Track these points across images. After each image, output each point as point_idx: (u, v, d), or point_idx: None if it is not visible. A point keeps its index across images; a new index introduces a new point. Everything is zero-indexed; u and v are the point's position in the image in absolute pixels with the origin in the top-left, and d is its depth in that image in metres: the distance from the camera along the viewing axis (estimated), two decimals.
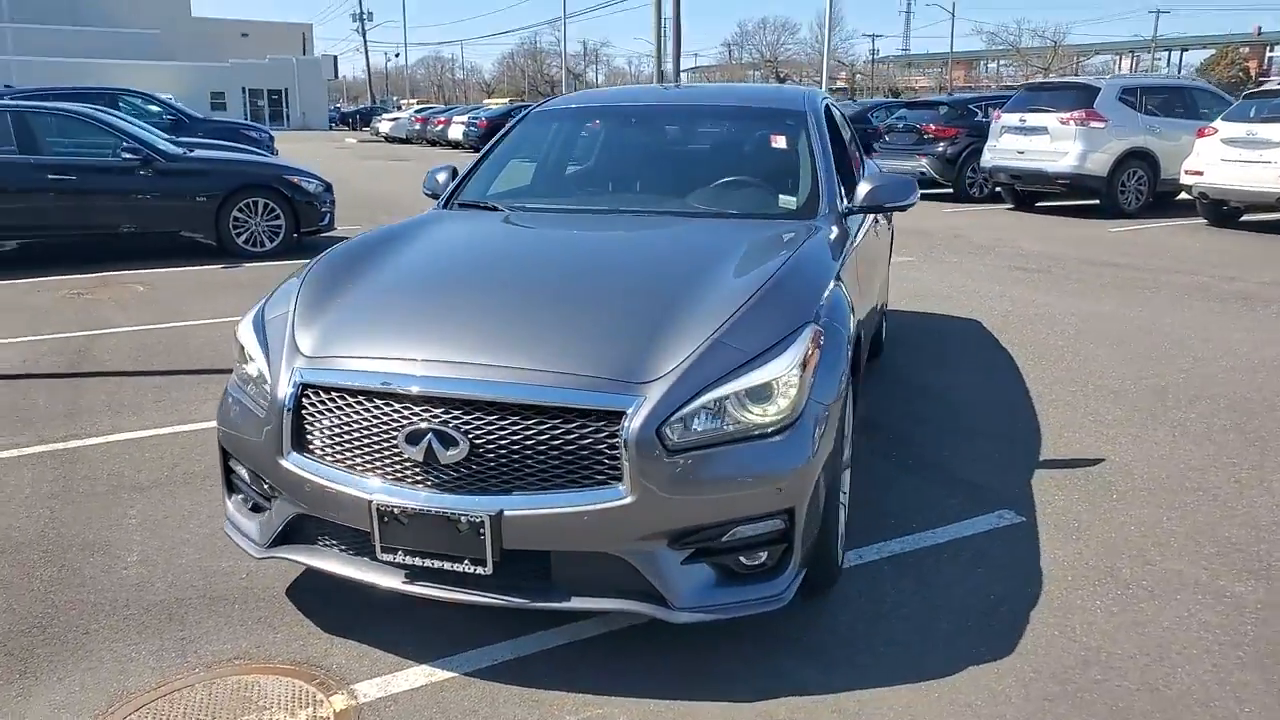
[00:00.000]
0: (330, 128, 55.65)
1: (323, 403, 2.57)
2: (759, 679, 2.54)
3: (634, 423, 2.34)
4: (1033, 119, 13.46)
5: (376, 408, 2.49)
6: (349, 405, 2.53)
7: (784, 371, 2.50)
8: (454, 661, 2.62)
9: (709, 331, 2.56)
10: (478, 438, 2.39)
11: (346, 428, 2.53)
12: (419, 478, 2.44)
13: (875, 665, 2.62)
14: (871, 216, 4.33)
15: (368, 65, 68.62)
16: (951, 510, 3.64)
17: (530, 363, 2.47)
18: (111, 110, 12.48)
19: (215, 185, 9.01)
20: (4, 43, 39.69)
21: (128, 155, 8.65)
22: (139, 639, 2.73)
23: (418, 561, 2.46)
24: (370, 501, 2.44)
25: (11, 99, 15.92)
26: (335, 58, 59.44)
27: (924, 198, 15.81)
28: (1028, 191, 14.18)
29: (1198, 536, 3.40)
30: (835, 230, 3.51)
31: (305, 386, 2.58)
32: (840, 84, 79.20)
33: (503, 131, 4.31)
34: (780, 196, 3.76)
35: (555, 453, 2.38)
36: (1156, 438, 4.42)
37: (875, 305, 4.52)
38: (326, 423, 2.56)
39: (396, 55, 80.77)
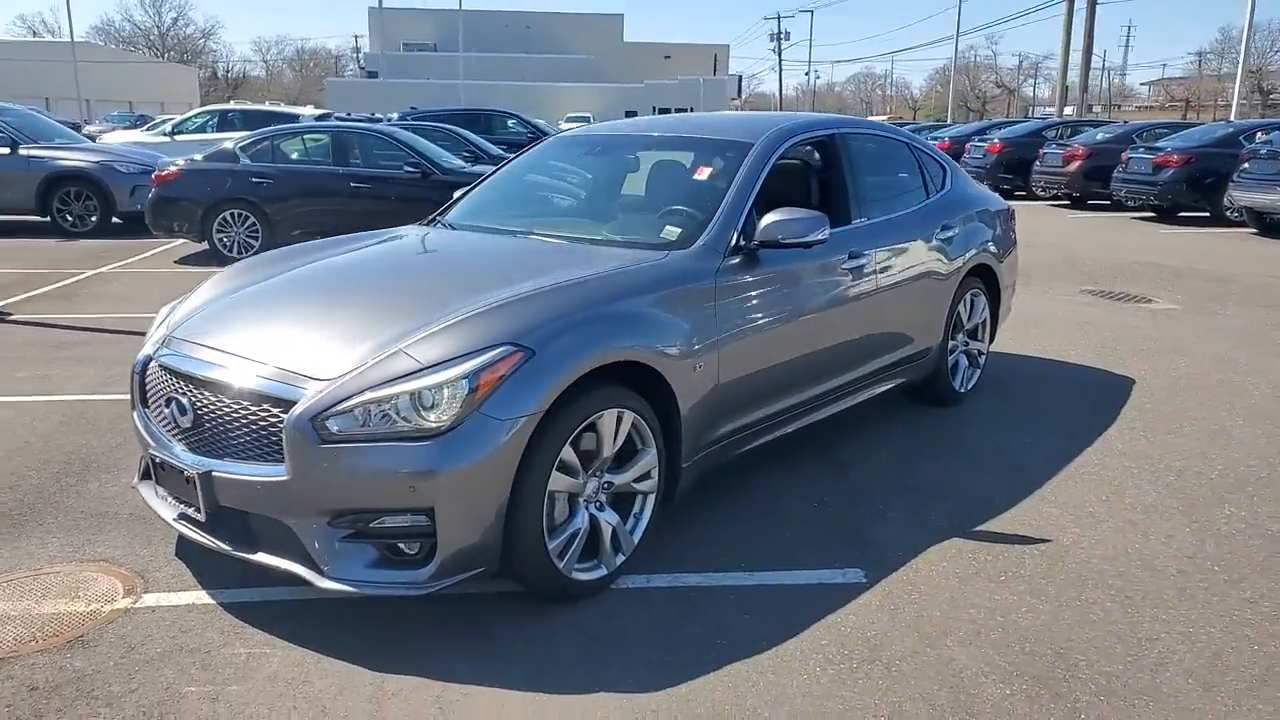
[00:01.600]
0: None
1: (153, 370, 3.29)
2: (407, 657, 2.83)
3: (295, 412, 2.77)
4: None
5: (161, 377, 3.16)
6: (155, 373, 3.23)
7: (448, 383, 2.76)
8: (225, 594, 3.20)
9: (402, 341, 2.89)
10: (199, 409, 2.96)
11: (153, 390, 3.23)
12: (178, 436, 3.07)
13: (530, 672, 2.77)
14: (846, 254, 4.21)
15: (780, 85, 71.23)
16: (802, 559, 3.52)
17: (258, 355, 2.98)
18: (455, 131, 14.67)
19: None
20: (456, 69, 46.98)
21: (409, 169, 10.30)
22: (65, 535, 3.64)
23: (178, 504, 3.09)
24: (149, 449, 3.11)
25: (414, 119, 19.12)
26: (740, 77, 62.44)
27: None
28: None
29: (1033, 636, 3.00)
30: (698, 264, 3.55)
31: (149, 357, 3.33)
32: None
33: (513, 156, 4.82)
34: (668, 227, 3.84)
35: (246, 430, 2.87)
36: (1156, 530, 3.78)
37: (855, 348, 4.34)
38: (149, 385, 3.29)
39: (807, 74, 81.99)
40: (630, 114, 58.75)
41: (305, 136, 10.93)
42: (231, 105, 20.48)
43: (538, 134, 19.92)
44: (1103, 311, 8.16)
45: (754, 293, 3.76)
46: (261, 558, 2.90)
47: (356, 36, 73.17)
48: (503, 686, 2.70)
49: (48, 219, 12.29)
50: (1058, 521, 3.86)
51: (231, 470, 2.89)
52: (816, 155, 4.63)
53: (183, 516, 3.11)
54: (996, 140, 20.22)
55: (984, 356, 5.60)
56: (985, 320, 5.53)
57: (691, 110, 59.84)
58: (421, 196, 10.34)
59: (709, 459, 3.65)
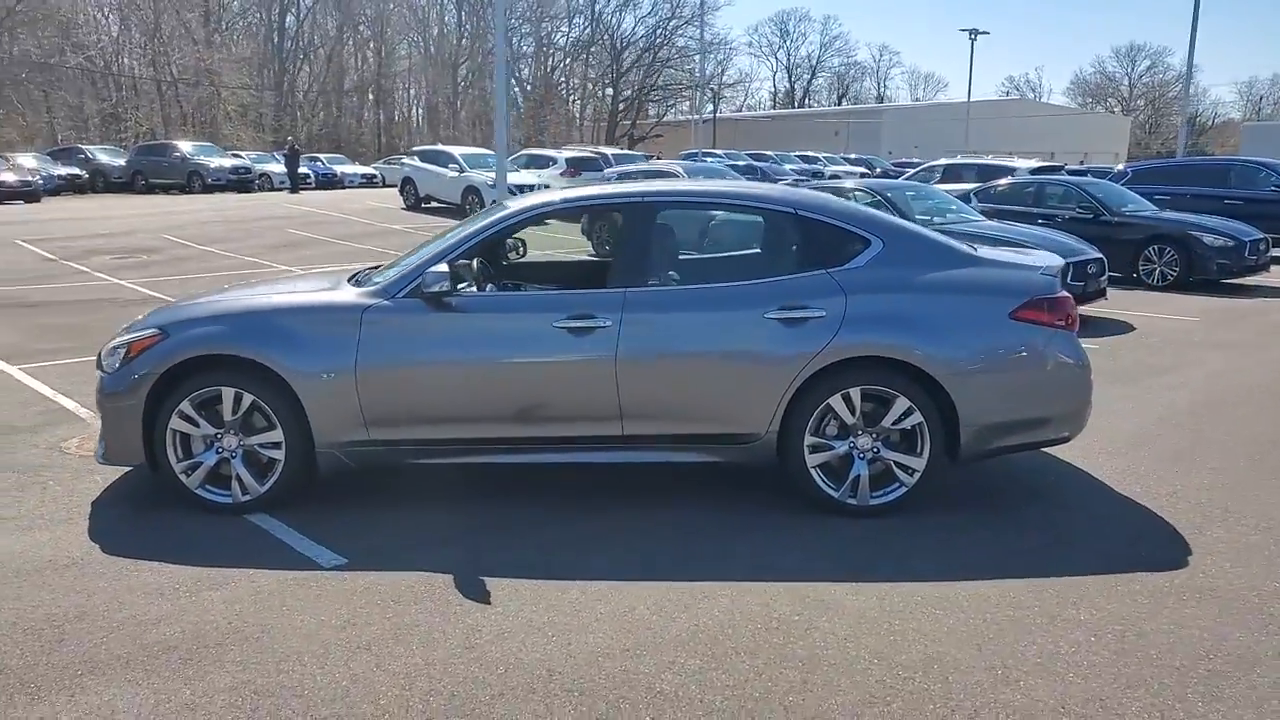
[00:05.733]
0: None
1: None
2: (114, 510, 4.81)
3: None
4: None
5: None
6: None
7: (119, 345, 4.65)
8: None
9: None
10: None
11: None
12: None
13: (98, 535, 4.53)
14: (565, 314, 4.46)
15: None
16: (343, 545, 4.24)
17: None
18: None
19: (1133, 234, 12.74)
20: None
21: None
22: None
23: None
24: None
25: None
26: None
27: None
28: None
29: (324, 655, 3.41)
30: (356, 300, 4.60)
31: None
32: None
33: None
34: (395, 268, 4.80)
35: None
36: (653, 625, 3.39)
37: (584, 406, 4.49)
38: None
39: None
40: None
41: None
42: (958, 159, 21.50)
43: None
44: None
45: (422, 332, 4.51)
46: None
47: None
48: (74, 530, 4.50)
49: None
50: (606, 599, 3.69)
51: None
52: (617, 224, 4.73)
53: None
54: None
55: (914, 474, 4.48)
56: (918, 429, 4.44)
57: None
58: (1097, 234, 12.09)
59: (361, 455, 4.56)
